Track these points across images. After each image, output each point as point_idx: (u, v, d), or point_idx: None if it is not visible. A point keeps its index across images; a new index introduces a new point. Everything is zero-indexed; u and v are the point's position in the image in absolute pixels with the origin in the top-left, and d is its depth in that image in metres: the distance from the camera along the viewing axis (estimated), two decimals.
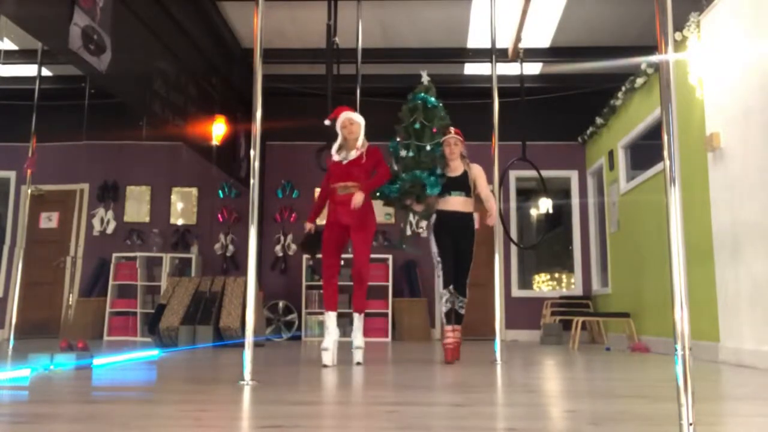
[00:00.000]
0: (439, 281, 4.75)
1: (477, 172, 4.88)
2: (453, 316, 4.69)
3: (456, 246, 4.72)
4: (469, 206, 4.80)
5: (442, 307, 4.71)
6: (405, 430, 1.93)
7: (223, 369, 4.27)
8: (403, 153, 4.73)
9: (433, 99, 4.87)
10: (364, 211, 4.42)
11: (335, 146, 4.57)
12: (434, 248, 4.76)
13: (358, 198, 4.31)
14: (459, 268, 4.72)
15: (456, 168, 4.85)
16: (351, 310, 4.61)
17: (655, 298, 6.56)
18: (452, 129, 4.88)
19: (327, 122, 4.56)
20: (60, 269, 9.31)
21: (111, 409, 2.39)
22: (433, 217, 4.81)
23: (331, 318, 4.44)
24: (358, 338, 4.58)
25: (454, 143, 4.81)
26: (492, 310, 5.07)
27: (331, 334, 4.38)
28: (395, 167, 4.78)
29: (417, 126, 4.75)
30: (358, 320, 4.57)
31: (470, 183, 4.81)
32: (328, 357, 4.30)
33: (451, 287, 4.64)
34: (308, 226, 4.70)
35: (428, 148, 4.70)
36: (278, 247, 9.34)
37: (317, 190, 4.95)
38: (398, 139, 4.84)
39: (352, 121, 4.52)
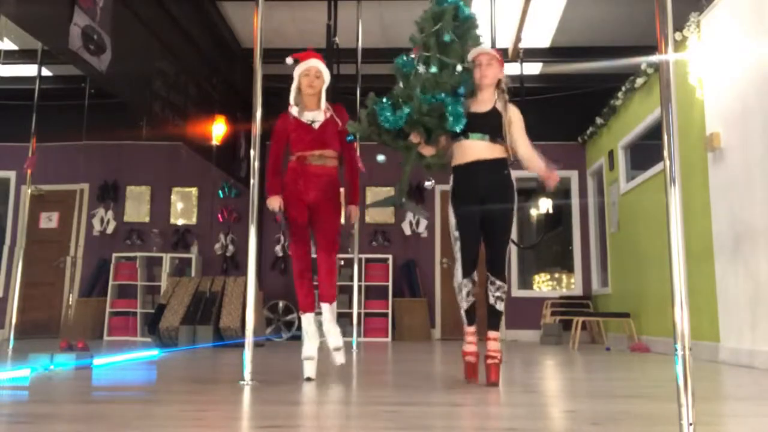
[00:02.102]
0: (456, 267, 3.31)
1: (514, 114, 3.34)
2: (489, 315, 3.32)
3: (485, 211, 3.27)
4: (498, 151, 3.28)
5: (462, 303, 3.29)
6: (405, 430, 1.93)
7: (223, 369, 4.27)
8: (421, 68, 3.25)
9: (468, 9, 3.47)
10: (333, 182, 3.56)
11: (292, 96, 3.60)
12: (452, 219, 3.32)
13: (355, 213, 3.72)
14: (492, 242, 3.29)
15: (484, 101, 3.32)
16: (321, 302, 3.56)
17: (655, 298, 6.56)
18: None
19: (289, 60, 3.58)
20: (60, 269, 9.31)
21: (111, 409, 2.39)
22: (450, 179, 3.37)
23: (309, 320, 3.54)
24: (334, 335, 3.55)
25: (487, 62, 3.29)
26: None
27: (312, 340, 3.49)
28: (400, 87, 3.31)
29: (447, 38, 3.27)
30: (329, 311, 3.54)
31: (503, 126, 3.28)
32: (312, 367, 3.45)
33: (474, 275, 3.27)
34: (276, 203, 3.49)
35: (458, 68, 3.25)
36: (278, 247, 9.34)
37: None
38: (412, 55, 3.37)
39: (318, 74, 3.55)
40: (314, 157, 3.51)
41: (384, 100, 3.24)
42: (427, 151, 3.31)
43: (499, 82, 3.35)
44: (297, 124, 3.55)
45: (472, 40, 3.40)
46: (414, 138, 3.23)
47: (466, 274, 3.25)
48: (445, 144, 3.35)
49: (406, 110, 3.16)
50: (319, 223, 3.53)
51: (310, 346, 3.47)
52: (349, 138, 3.54)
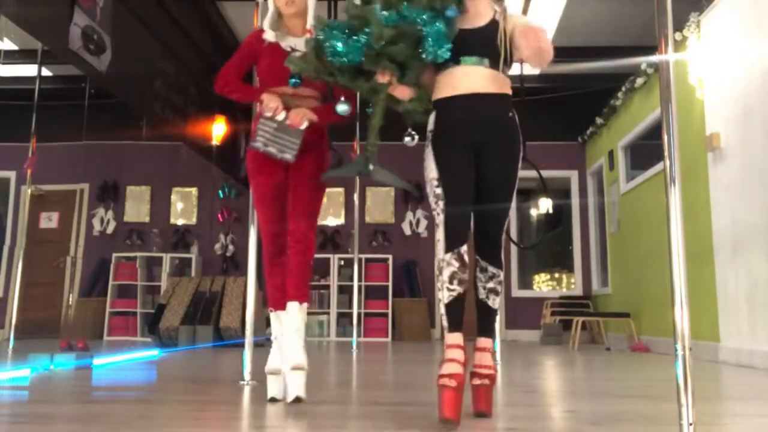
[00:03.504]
0: (437, 237, 2.20)
1: (515, 17, 2.36)
2: (479, 314, 2.30)
3: (480, 163, 2.27)
4: (501, 83, 2.30)
5: (442, 291, 2.16)
6: (405, 430, 1.93)
7: (223, 369, 4.27)
8: None
9: None
10: (317, 131, 2.68)
11: (267, 20, 2.68)
12: (431, 171, 2.25)
13: (298, 115, 2.55)
14: (485, 212, 2.29)
15: (479, 13, 2.32)
16: (288, 299, 2.58)
17: (655, 298, 6.56)
18: None
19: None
20: (60, 269, 9.31)
21: (111, 409, 2.39)
22: (432, 115, 2.31)
23: (281, 320, 2.62)
24: (296, 348, 2.49)
25: None
26: None
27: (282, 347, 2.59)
28: (354, 4, 2.24)
29: None
30: (297, 314, 2.55)
31: (502, 41, 2.29)
32: (278, 385, 2.54)
33: (463, 251, 2.15)
34: (275, 102, 2.57)
35: None
36: None
37: None
38: None
39: None
40: (288, 98, 2.62)
41: (334, 24, 2.26)
42: (402, 92, 2.28)
43: None
44: (272, 48, 2.65)
45: None
46: (381, 77, 2.22)
47: (452, 246, 2.14)
48: (429, 79, 2.33)
49: (363, 38, 2.16)
50: (293, 187, 2.65)
51: (277, 356, 2.59)
52: (291, 81, 2.57)
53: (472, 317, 2.32)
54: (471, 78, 2.24)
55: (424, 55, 2.18)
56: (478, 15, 2.31)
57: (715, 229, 5.07)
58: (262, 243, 2.70)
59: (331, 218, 9.32)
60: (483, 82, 2.24)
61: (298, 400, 2.38)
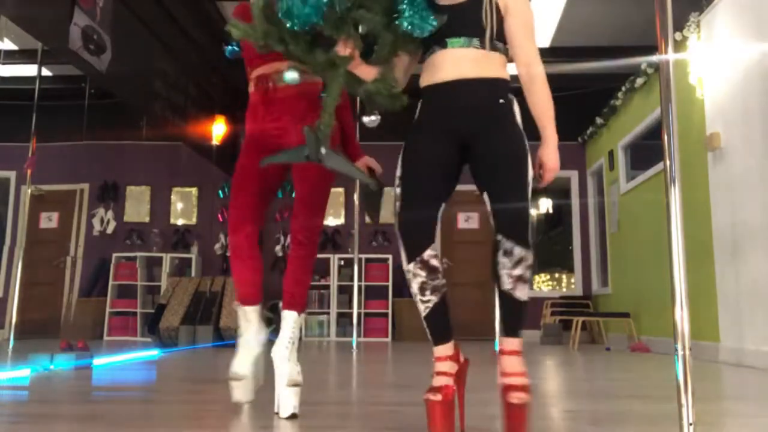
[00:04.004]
0: (400, 247, 1.94)
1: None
2: (503, 310, 1.84)
3: (473, 157, 1.94)
4: (494, 64, 1.98)
5: (418, 304, 1.90)
6: (405, 430, 1.93)
7: (223, 369, 4.27)
8: None
9: None
10: (315, 102, 2.28)
11: None
12: (398, 168, 1.95)
13: (374, 163, 2.36)
14: (498, 189, 1.90)
15: None
16: (285, 307, 2.25)
17: (655, 298, 6.56)
18: None
19: None
20: (60, 269, 9.31)
21: (111, 409, 2.39)
22: (419, 105, 1.99)
23: (250, 317, 2.30)
24: (290, 365, 2.16)
25: None
26: (492, 310, 5.06)
27: (250, 347, 2.29)
28: None
29: None
30: (295, 325, 2.22)
31: (487, 18, 1.91)
32: (243, 390, 2.28)
33: (428, 255, 1.90)
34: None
35: None
36: (278, 248, 9.34)
37: None
38: None
39: None
40: (280, 77, 2.25)
41: None
42: (365, 72, 1.90)
43: None
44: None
45: None
46: (342, 48, 1.84)
47: (413, 254, 1.89)
48: (406, 63, 2.01)
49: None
50: (296, 180, 2.32)
51: (243, 358, 2.28)
52: (228, 49, 2.29)
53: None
54: (459, 62, 1.91)
55: (401, 24, 1.81)
56: None
57: (715, 229, 5.07)
58: (228, 230, 2.35)
59: (331, 218, 9.33)
60: (472, 65, 1.92)
61: (294, 416, 2.12)
